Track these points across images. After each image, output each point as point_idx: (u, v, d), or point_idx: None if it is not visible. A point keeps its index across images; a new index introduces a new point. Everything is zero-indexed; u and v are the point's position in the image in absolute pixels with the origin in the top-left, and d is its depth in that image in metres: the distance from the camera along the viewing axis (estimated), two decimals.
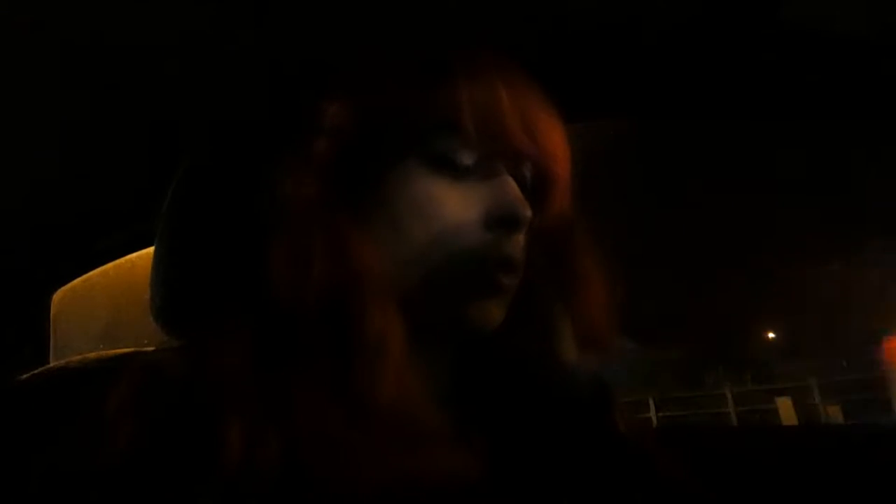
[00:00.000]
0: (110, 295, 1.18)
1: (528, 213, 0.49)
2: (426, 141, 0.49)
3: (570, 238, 0.55)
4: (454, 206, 0.49)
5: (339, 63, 0.64)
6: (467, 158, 0.49)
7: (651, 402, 11.98)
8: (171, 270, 0.57)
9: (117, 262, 1.11)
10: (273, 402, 0.41)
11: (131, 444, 0.38)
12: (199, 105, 0.76)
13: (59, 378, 0.52)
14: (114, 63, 0.68)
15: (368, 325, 0.44)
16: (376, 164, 0.50)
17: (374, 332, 0.44)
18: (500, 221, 0.49)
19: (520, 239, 0.51)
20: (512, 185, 0.50)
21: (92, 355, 0.57)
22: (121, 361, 0.51)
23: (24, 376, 0.55)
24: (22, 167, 0.87)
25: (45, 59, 0.66)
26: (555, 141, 0.53)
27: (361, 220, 0.49)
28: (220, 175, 0.58)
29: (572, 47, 0.70)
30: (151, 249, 0.60)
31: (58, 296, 1.21)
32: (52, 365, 0.57)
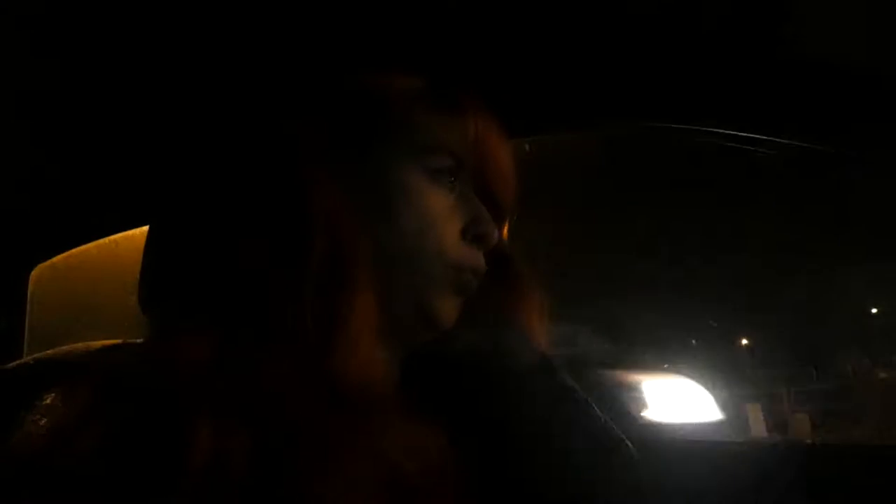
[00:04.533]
0: (91, 275, 1.16)
1: (497, 235, 0.58)
2: (427, 155, 0.56)
3: (508, 254, 0.64)
4: (441, 212, 0.55)
5: (339, 70, 0.65)
6: (455, 177, 0.57)
7: None
8: (155, 259, 0.56)
9: (100, 241, 1.10)
10: (242, 393, 0.42)
11: (96, 444, 0.38)
12: (196, 84, 0.75)
13: (32, 372, 0.52)
14: (106, 44, 0.67)
15: (348, 308, 0.47)
16: (379, 162, 0.55)
17: (351, 314, 0.47)
18: (476, 237, 0.57)
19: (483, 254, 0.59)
20: (483, 208, 0.58)
21: (65, 348, 0.56)
22: (95, 356, 0.51)
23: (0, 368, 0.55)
24: (6, 141, 0.85)
25: (40, 46, 0.65)
26: (511, 176, 0.62)
27: (355, 211, 0.51)
28: (214, 161, 0.57)
29: (568, 58, 0.71)
30: (135, 231, 0.59)
31: (36, 272, 1.19)
32: (29, 357, 0.57)
